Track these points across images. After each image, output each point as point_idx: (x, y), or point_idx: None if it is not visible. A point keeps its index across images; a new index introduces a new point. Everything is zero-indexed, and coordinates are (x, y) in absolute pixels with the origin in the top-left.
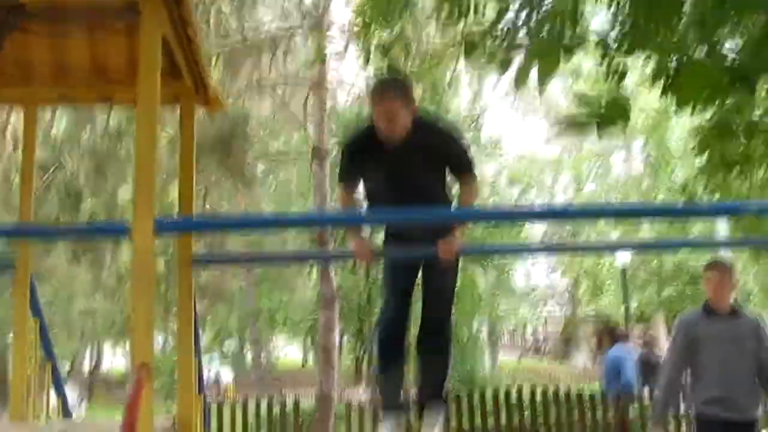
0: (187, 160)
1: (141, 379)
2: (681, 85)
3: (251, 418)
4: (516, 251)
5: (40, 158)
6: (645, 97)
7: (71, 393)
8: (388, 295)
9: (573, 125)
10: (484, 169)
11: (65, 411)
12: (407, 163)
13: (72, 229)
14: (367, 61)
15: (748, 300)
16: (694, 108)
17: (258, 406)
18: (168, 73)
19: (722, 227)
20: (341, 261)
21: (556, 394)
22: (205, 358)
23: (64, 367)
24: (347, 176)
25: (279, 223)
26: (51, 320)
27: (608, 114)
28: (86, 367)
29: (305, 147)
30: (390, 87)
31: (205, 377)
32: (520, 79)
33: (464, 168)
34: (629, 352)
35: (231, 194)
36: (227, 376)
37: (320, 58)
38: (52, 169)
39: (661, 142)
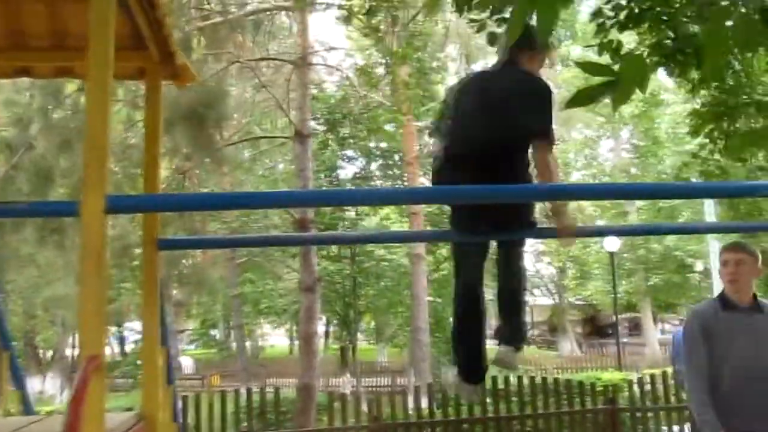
0: (152, 137)
1: (87, 374)
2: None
3: (230, 409)
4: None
5: (9, 137)
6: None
7: (54, 381)
8: (465, 272)
9: (584, 95)
10: None
11: (26, 406)
12: (493, 116)
13: (14, 209)
14: (348, 21)
15: None
16: (712, 64)
17: (237, 395)
18: (131, 44)
19: (709, 210)
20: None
21: (544, 381)
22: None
23: (47, 354)
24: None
25: (245, 202)
26: (31, 306)
27: (626, 75)
28: (70, 354)
29: (288, 130)
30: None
31: (186, 366)
32: (512, 32)
33: (536, 129)
34: None
35: (215, 178)
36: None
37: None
38: (22, 150)
39: (648, 130)
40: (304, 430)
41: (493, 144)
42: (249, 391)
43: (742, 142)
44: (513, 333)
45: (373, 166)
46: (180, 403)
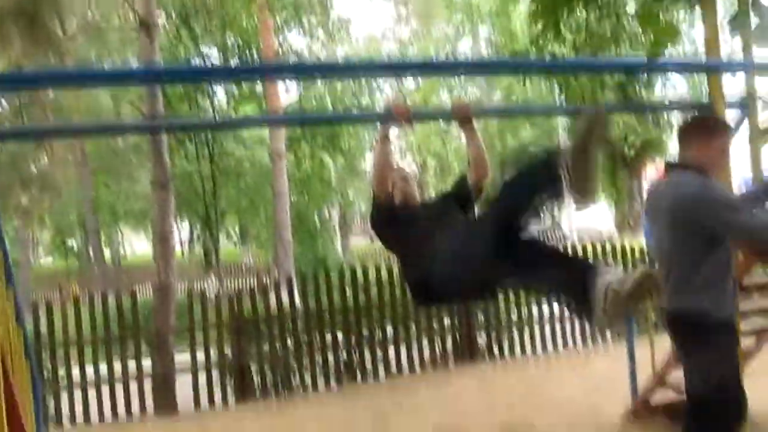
0: None
1: None
2: None
3: (85, 316)
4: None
5: None
6: None
7: None
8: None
9: None
10: (334, 51)
11: None
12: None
13: None
14: None
15: None
16: None
17: (92, 302)
18: None
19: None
20: (179, 146)
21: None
22: None
23: None
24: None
25: (77, 77)
26: None
27: None
28: None
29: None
30: None
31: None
32: None
33: None
34: None
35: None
36: None
37: None
38: None
39: (505, 27)
40: (161, 331)
41: None
42: (104, 297)
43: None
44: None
45: (231, 63)
46: (29, 313)
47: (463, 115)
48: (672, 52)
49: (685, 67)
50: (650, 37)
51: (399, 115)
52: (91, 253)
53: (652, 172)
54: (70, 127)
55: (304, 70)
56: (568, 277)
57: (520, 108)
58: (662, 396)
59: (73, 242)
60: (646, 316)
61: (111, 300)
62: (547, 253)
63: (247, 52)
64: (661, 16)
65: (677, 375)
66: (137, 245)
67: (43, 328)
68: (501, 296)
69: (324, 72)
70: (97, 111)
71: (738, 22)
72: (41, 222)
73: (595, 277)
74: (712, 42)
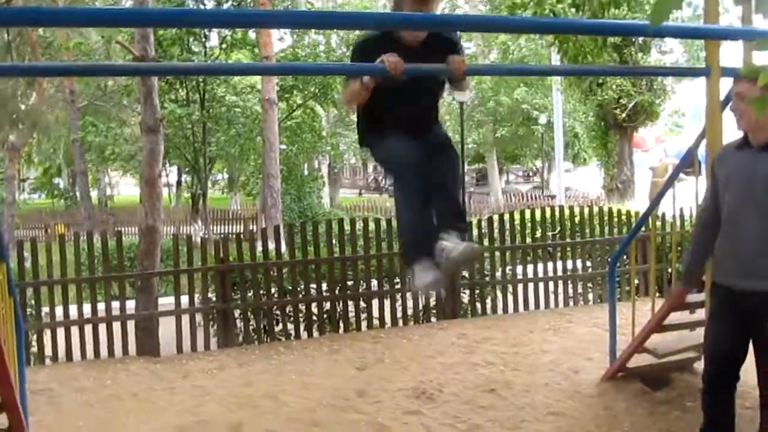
0: None
1: None
2: None
3: (70, 256)
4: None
5: None
6: None
7: None
8: (400, 151)
9: None
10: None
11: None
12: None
13: None
14: None
15: (573, 143)
16: None
17: (77, 241)
18: None
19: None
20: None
21: (388, 222)
22: None
23: None
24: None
25: (65, 17)
26: None
27: None
28: None
29: None
30: None
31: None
32: None
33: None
34: None
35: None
36: None
37: None
38: None
39: None
40: (147, 273)
41: None
42: (90, 236)
43: None
44: (458, 216)
45: (226, 5)
46: (14, 250)
47: (458, 74)
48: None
49: (684, 32)
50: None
51: (392, 70)
52: (78, 193)
53: (644, 135)
54: (58, 66)
55: (297, 21)
56: (439, 208)
57: (515, 68)
58: (639, 360)
59: (60, 181)
60: (629, 280)
61: (96, 240)
62: (443, 179)
63: None
64: None
65: (655, 340)
66: (125, 188)
67: (28, 264)
68: (485, 254)
69: (317, 24)
70: (87, 49)
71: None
72: (29, 160)
73: (447, 235)
74: (711, 9)
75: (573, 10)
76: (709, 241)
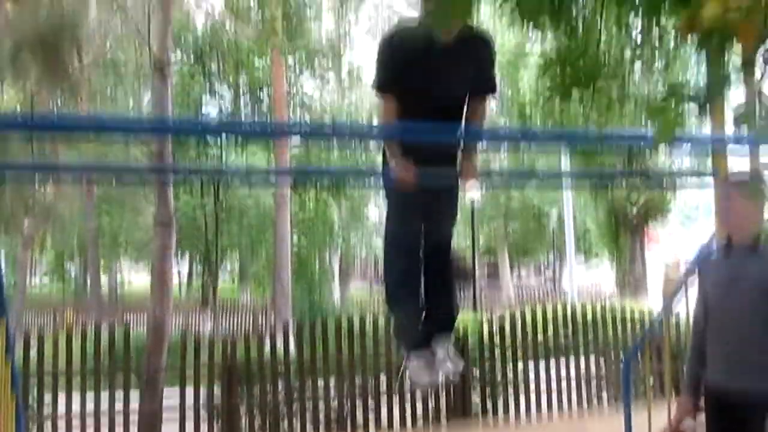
0: None
1: None
2: None
3: (77, 346)
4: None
5: None
6: (501, 38)
7: None
8: (404, 223)
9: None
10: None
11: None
12: (450, 70)
13: None
14: None
15: (585, 238)
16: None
17: (84, 332)
18: None
19: (565, 161)
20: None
21: None
22: None
23: None
24: (388, 79)
25: (87, 125)
26: None
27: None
28: None
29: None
30: None
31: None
32: None
33: (491, 86)
34: None
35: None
36: None
37: None
38: None
39: (514, 82)
40: (153, 371)
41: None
42: (97, 327)
43: (566, 83)
44: (446, 315)
45: (241, 101)
46: (20, 339)
47: (471, 178)
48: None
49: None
50: (657, 126)
51: (403, 182)
52: (89, 280)
53: (654, 232)
54: (76, 167)
55: (310, 132)
56: (434, 302)
57: (525, 174)
58: None
59: (71, 266)
60: (644, 381)
61: (104, 331)
62: (440, 273)
63: (259, 92)
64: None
65: None
66: (136, 276)
67: (33, 352)
68: (497, 353)
69: (329, 135)
70: (107, 146)
71: (744, 118)
72: (42, 246)
73: (441, 338)
74: (717, 118)
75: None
76: (705, 348)
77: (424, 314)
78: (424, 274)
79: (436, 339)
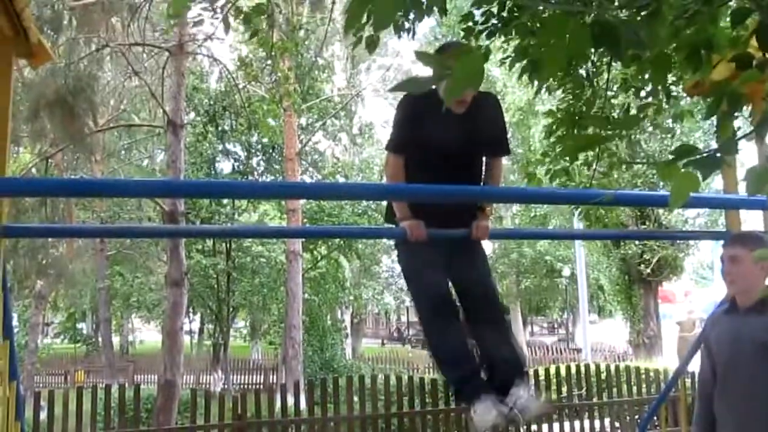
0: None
1: None
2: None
3: (86, 405)
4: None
5: None
6: (511, 96)
7: None
8: (426, 276)
9: (411, 82)
10: (362, 155)
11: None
12: (463, 129)
13: None
14: (227, 27)
15: (598, 295)
16: (549, 74)
17: (95, 392)
18: None
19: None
20: (197, 240)
21: (410, 380)
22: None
23: None
24: (403, 140)
25: (96, 188)
26: None
27: (460, 70)
28: None
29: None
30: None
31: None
32: (348, 24)
33: (506, 147)
34: None
35: (87, 166)
36: None
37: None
38: None
39: (525, 139)
40: (163, 429)
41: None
42: (108, 388)
43: (574, 146)
44: (515, 363)
45: (254, 161)
46: (30, 399)
47: (482, 237)
48: None
49: (705, 203)
50: (672, 189)
51: (411, 237)
52: (101, 339)
53: (668, 291)
54: (89, 228)
55: (321, 193)
56: (496, 355)
57: (535, 233)
58: None
59: (83, 326)
60: None
61: (114, 390)
62: (495, 325)
63: (271, 151)
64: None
65: None
66: (147, 334)
67: (44, 415)
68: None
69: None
70: (119, 200)
71: (757, 186)
72: (54, 305)
73: (516, 382)
74: (730, 179)
75: (585, 167)
76: (712, 411)
77: (487, 371)
78: (478, 329)
79: (516, 385)
